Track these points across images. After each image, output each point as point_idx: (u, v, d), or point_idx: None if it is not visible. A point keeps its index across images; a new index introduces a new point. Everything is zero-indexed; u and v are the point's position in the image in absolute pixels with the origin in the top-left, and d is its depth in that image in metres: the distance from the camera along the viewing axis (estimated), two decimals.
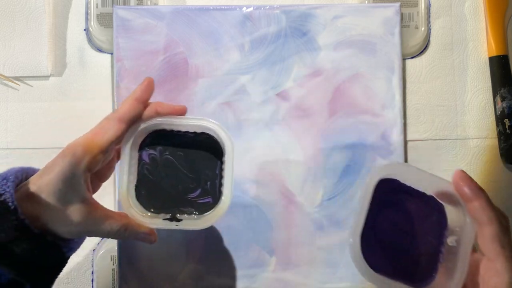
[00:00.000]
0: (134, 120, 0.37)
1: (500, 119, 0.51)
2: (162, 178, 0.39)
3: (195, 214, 0.38)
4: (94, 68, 0.52)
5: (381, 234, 0.36)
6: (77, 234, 0.35)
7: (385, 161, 0.49)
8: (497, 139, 0.51)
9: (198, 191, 0.39)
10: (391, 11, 0.50)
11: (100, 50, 0.52)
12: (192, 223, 0.37)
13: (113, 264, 0.50)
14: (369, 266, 0.33)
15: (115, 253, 0.49)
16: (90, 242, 0.50)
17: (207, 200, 0.39)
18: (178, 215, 0.38)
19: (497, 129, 0.51)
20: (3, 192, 0.32)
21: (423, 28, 0.52)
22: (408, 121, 0.52)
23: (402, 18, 0.51)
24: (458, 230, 0.34)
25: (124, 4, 0.51)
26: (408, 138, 0.52)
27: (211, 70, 0.50)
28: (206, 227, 0.36)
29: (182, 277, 0.49)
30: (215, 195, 0.39)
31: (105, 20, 0.51)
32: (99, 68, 0.52)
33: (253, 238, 0.48)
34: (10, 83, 0.51)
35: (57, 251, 0.35)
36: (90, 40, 0.52)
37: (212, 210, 0.37)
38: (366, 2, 0.52)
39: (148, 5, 0.51)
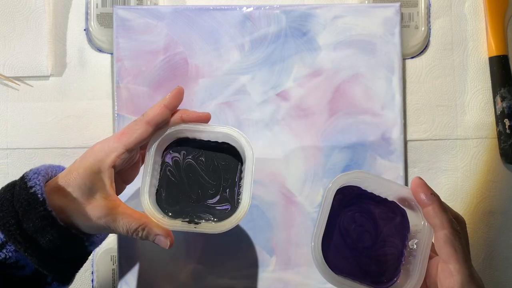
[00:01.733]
0: (161, 125, 0.38)
1: (500, 119, 0.51)
2: (183, 181, 0.40)
3: (212, 220, 0.39)
4: (94, 68, 0.52)
5: (346, 237, 0.37)
6: (97, 229, 0.36)
7: (385, 161, 0.49)
8: (497, 139, 0.52)
9: (217, 198, 0.39)
10: (391, 11, 0.50)
11: (100, 50, 0.52)
12: (210, 226, 0.37)
13: (113, 264, 0.50)
14: (330, 268, 0.34)
15: (115, 253, 0.49)
16: None
17: (225, 207, 0.39)
18: (196, 219, 0.38)
19: (497, 129, 0.51)
20: (33, 184, 0.34)
21: (423, 28, 0.52)
22: (408, 121, 0.52)
23: (402, 18, 0.51)
24: (418, 234, 0.35)
25: (124, 4, 0.51)
26: (408, 138, 0.52)
27: (211, 70, 0.50)
28: (223, 231, 0.37)
29: (182, 277, 0.49)
30: (234, 203, 0.39)
31: (105, 20, 0.51)
32: (99, 68, 0.52)
33: (253, 238, 0.48)
34: (10, 83, 0.51)
35: (79, 244, 0.36)
36: (90, 40, 0.52)
37: (230, 216, 0.37)
38: (366, 2, 0.52)
39: (148, 5, 0.51)
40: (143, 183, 0.37)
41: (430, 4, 0.53)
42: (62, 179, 0.35)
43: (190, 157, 0.40)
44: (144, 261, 0.48)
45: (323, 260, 0.34)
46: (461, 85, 0.52)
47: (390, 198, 0.37)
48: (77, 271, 0.38)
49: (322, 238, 0.35)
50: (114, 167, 0.36)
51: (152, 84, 0.49)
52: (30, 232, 0.33)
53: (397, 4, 0.50)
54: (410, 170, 0.51)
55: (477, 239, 0.51)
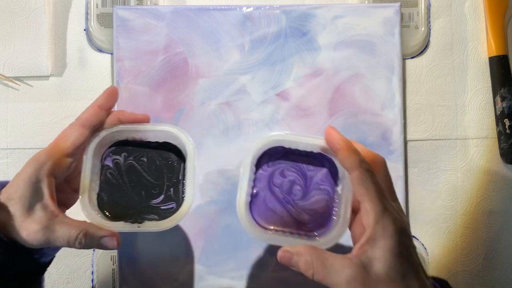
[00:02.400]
0: (97, 126, 0.37)
1: (500, 119, 0.51)
2: (125, 183, 0.39)
3: (156, 220, 0.38)
4: (94, 68, 0.52)
5: (277, 194, 0.38)
6: (37, 242, 0.34)
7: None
8: (497, 139, 0.52)
9: (162, 197, 0.39)
10: (391, 11, 0.50)
11: (100, 50, 0.52)
12: (153, 224, 0.37)
13: (113, 264, 0.50)
14: (259, 225, 0.36)
15: (115, 253, 0.49)
16: None
17: (170, 206, 0.39)
18: (139, 220, 0.38)
19: (497, 129, 0.51)
20: None
21: (423, 28, 0.52)
22: (408, 121, 0.52)
23: (402, 18, 0.51)
24: (342, 179, 0.37)
25: (124, 4, 0.51)
26: (408, 138, 0.52)
27: (211, 70, 0.50)
28: (167, 228, 0.36)
29: (182, 277, 0.49)
30: (178, 201, 0.39)
31: (105, 20, 0.51)
32: (99, 68, 0.52)
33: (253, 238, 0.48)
34: (10, 83, 0.51)
35: (29, 258, 0.35)
36: (90, 40, 0.52)
37: (175, 213, 0.37)
38: (366, 2, 0.52)
39: (148, 5, 0.51)
40: (81, 188, 0.36)
41: (430, 4, 0.53)
42: (3, 194, 0.34)
43: (131, 158, 0.39)
44: (144, 261, 0.48)
45: (250, 217, 0.36)
46: (461, 85, 0.52)
47: (315, 151, 0.38)
48: (34, 284, 0.37)
49: (253, 200, 0.38)
50: (54, 175, 0.35)
51: (152, 84, 0.49)
52: None
53: (397, 4, 0.50)
54: (410, 170, 0.51)
55: (477, 239, 0.51)
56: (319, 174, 0.39)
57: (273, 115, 0.49)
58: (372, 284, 0.30)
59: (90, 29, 0.51)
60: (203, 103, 0.49)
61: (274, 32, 0.50)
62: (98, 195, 0.38)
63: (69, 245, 0.34)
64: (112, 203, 0.38)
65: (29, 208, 0.33)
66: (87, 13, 0.52)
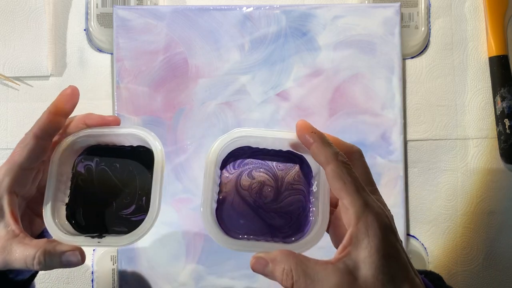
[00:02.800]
0: (54, 134, 0.34)
1: (500, 119, 0.51)
2: (96, 191, 0.36)
3: (124, 232, 0.34)
4: (94, 68, 0.52)
5: (246, 198, 0.35)
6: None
7: (385, 161, 0.49)
8: (497, 139, 0.51)
9: (133, 208, 0.35)
10: (391, 11, 0.50)
11: (100, 50, 0.52)
12: (114, 239, 0.33)
13: (113, 264, 0.50)
14: (227, 234, 0.32)
15: (115, 253, 0.49)
16: None
17: (141, 217, 0.35)
18: (106, 233, 0.34)
19: (497, 129, 0.51)
20: None
21: (423, 28, 0.52)
22: (408, 121, 0.52)
23: (402, 18, 0.51)
24: (317, 176, 0.34)
25: (124, 4, 0.51)
26: (408, 138, 0.52)
27: (211, 70, 0.50)
28: (129, 244, 0.32)
29: (182, 277, 0.49)
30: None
31: (105, 20, 0.51)
32: (99, 68, 0.52)
33: None
34: (10, 83, 0.51)
35: (2, 279, 0.33)
36: (90, 40, 0.52)
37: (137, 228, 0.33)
38: (366, 2, 0.52)
39: (148, 5, 0.51)
40: (45, 198, 0.33)
41: (430, 4, 0.53)
42: None
43: (103, 164, 0.36)
44: (144, 261, 0.48)
45: (215, 224, 0.32)
46: (461, 85, 0.52)
47: (284, 149, 0.35)
48: None
49: (220, 206, 0.34)
50: (15, 192, 0.32)
51: (152, 84, 0.49)
52: None
53: (397, 4, 0.50)
54: (410, 170, 0.51)
55: (477, 239, 0.51)
56: (291, 173, 0.35)
57: (273, 115, 0.49)
58: None
59: (90, 29, 0.51)
60: (203, 103, 0.49)
61: (274, 32, 0.50)
62: (68, 205, 0.35)
63: (27, 266, 0.31)
64: (82, 212, 0.35)
65: None
66: (87, 13, 0.52)
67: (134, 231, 0.32)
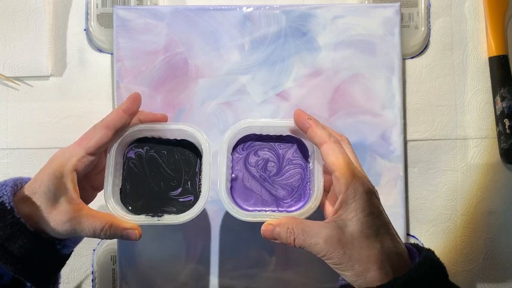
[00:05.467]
0: (120, 129, 0.39)
1: (500, 119, 0.51)
2: (146, 174, 0.41)
3: (174, 212, 0.40)
4: (94, 68, 0.52)
5: (253, 172, 0.42)
6: (64, 233, 0.36)
7: (385, 161, 0.49)
8: (497, 139, 0.52)
9: (180, 190, 0.41)
10: (391, 11, 0.50)
11: (100, 50, 0.52)
12: (173, 217, 0.39)
13: (113, 264, 0.50)
14: (240, 208, 0.39)
15: (115, 253, 0.49)
16: (90, 242, 0.50)
17: (188, 198, 0.41)
18: (159, 213, 0.40)
19: (497, 129, 0.51)
20: (1, 195, 0.35)
21: (423, 28, 0.52)
22: (408, 121, 0.52)
23: (402, 18, 0.51)
24: (313, 154, 0.40)
25: (124, 4, 0.51)
26: (408, 138, 0.52)
27: (211, 70, 0.50)
28: (186, 221, 0.38)
29: (182, 277, 0.49)
30: (196, 194, 0.41)
31: (105, 20, 0.51)
32: (99, 68, 0.52)
33: (253, 238, 0.48)
34: (10, 83, 0.51)
35: (52, 249, 0.37)
36: (90, 40, 0.52)
37: (192, 206, 0.39)
38: (366, 2, 0.52)
39: (148, 5, 0.51)
40: (105, 184, 0.39)
41: (430, 4, 0.53)
42: (28, 188, 0.36)
43: (152, 151, 0.42)
44: (144, 261, 0.48)
45: (233, 203, 0.39)
46: (461, 85, 0.52)
47: (284, 134, 0.42)
48: (55, 275, 0.39)
49: (233, 183, 0.41)
50: (76, 171, 0.37)
51: (152, 84, 0.49)
52: (1, 241, 0.34)
53: (397, 4, 0.50)
54: (410, 170, 0.51)
55: (477, 239, 0.51)
56: (290, 150, 0.43)
57: (273, 115, 0.49)
58: (348, 240, 0.33)
59: (90, 29, 0.51)
60: (203, 103, 0.49)
61: (274, 32, 0.50)
62: (121, 189, 0.41)
63: (95, 235, 0.36)
64: (134, 194, 0.41)
65: (54, 202, 0.36)
66: (87, 13, 0.52)
67: (191, 209, 0.38)
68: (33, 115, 0.51)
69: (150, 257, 0.48)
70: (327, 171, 0.39)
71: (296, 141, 0.43)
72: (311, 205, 0.38)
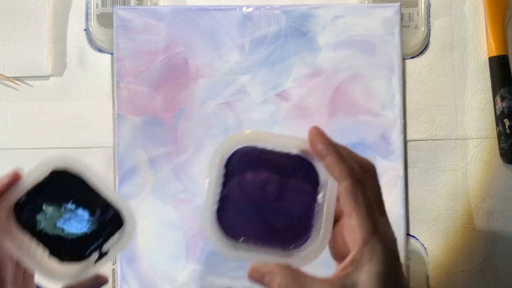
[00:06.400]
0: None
1: (500, 119, 0.51)
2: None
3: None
4: (94, 68, 0.52)
5: (248, 193, 0.33)
6: None
7: (385, 161, 0.49)
8: (497, 139, 0.51)
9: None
10: (391, 11, 0.50)
11: (100, 50, 0.52)
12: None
13: (113, 264, 0.50)
14: (226, 235, 0.32)
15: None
16: None
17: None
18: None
19: (497, 129, 0.51)
20: None
21: (423, 28, 0.52)
22: (408, 121, 0.52)
23: (402, 18, 0.51)
24: (325, 186, 0.32)
25: (124, 4, 0.51)
26: (408, 138, 0.52)
27: (211, 70, 0.50)
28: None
29: (182, 277, 0.49)
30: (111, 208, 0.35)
31: (105, 20, 0.51)
32: (99, 68, 0.52)
33: None
34: (10, 83, 0.51)
35: None
36: (90, 40, 0.52)
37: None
38: (366, 2, 0.52)
39: (148, 5, 0.51)
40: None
41: (430, 4, 0.53)
42: None
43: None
44: (144, 261, 0.48)
45: (217, 230, 0.32)
46: (461, 85, 0.52)
47: (293, 152, 0.33)
48: None
49: (222, 204, 0.33)
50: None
51: (152, 84, 0.49)
52: None
53: (397, 4, 0.50)
54: (410, 170, 0.51)
55: (477, 239, 0.51)
56: (296, 175, 0.33)
57: (273, 115, 0.49)
58: None
59: (90, 29, 0.51)
60: (203, 103, 0.49)
61: (274, 32, 0.50)
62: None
63: None
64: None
65: None
66: (87, 13, 0.52)
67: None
68: (33, 115, 0.51)
69: (150, 257, 0.48)
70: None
71: (306, 163, 0.33)
72: (313, 252, 0.31)
